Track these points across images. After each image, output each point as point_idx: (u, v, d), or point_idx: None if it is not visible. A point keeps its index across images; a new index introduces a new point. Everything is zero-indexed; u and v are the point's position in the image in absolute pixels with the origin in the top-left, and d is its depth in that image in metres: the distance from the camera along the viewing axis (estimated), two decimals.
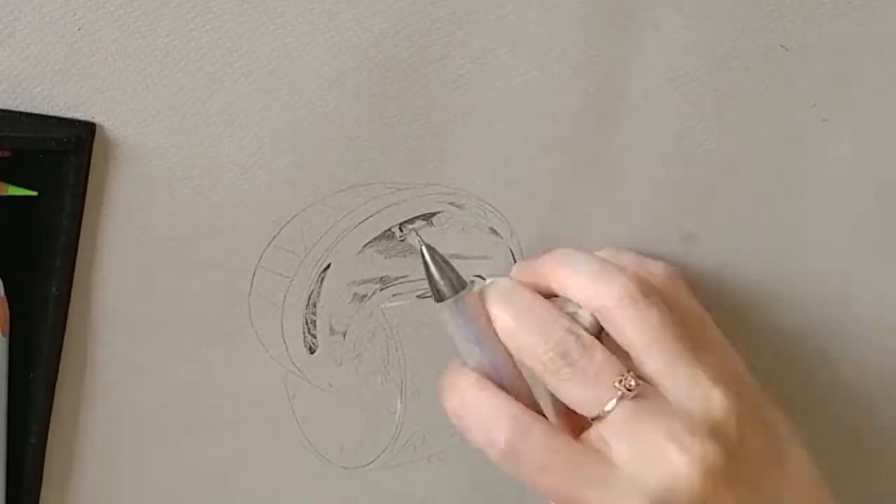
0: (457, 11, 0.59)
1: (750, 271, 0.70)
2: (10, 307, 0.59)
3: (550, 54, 0.61)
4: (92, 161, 0.56)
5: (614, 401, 0.56)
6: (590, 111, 0.63)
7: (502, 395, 0.57)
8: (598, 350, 0.57)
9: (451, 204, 0.63)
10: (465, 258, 0.65)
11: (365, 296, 0.64)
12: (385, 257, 0.64)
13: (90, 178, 0.57)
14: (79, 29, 0.54)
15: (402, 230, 0.63)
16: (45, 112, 0.55)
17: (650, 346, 0.57)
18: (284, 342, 0.64)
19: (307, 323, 0.64)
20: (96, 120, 0.56)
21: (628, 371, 0.57)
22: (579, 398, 0.57)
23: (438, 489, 0.71)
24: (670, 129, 0.64)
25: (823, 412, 0.74)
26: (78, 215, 0.57)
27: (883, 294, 0.72)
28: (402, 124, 0.60)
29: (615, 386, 0.56)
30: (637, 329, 0.57)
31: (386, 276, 0.64)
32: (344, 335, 0.65)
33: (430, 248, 0.58)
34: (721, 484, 0.56)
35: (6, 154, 0.56)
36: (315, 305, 0.64)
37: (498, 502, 0.73)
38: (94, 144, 0.56)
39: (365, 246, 0.63)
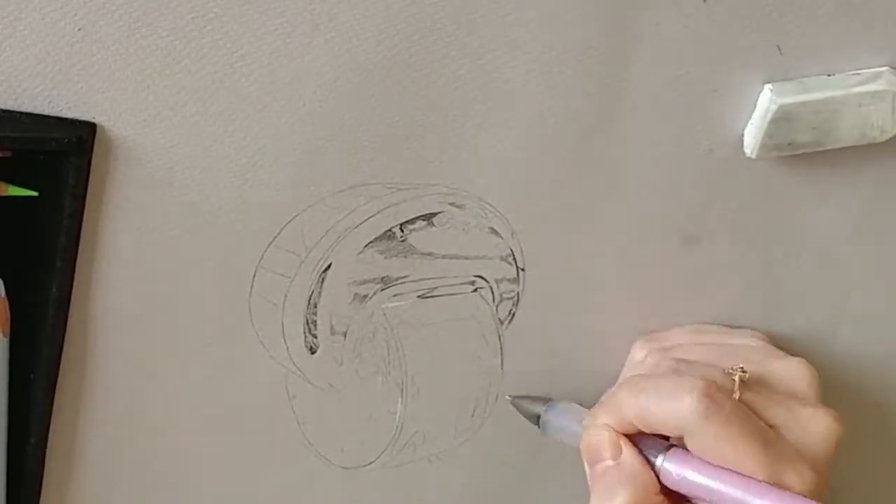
0: (457, 11, 0.59)
1: (751, 271, 0.70)
2: (11, 307, 0.59)
3: (550, 54, 0.61)
4: (92, 161, 0.56)
5: (737, 392, 0.60)
6: (590, 111, 0.63)
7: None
8: (697, 363, 0.62)
9: (451, 204, 0.63)
10: (466, 258, 0.65)
11: (366, 296, 0.64)
12: (386, 257, 0.64)
13: (90, 178, 0.57)
14: (79, 29, 0.54)
15: (402, 230, 0.63)
16: (45, 112, 0.55)
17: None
18: (285, 342, 0.64)
19: (308, 323, 0.64)
20: (97, 120, 0.56)
21: (729, 367, 0.61)
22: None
23: (438, 489, 0.71)
24: (670, 129, 0.64)
25: None
26: (78, 215, 0.57)
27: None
28: (402, 124, 0.60)
29: (732, 377, 0.60)
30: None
31: (387, 276, 0.64)
32: (344, 335, 0.65)
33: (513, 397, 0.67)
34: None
35: (6, 154, 0.56)
36: (316, 306, 0.64)
37: (498, 502, 0.73)
38: (95, 145, 0.56)
39: (366, 246, 0.63)
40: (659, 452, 0.61)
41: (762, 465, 0.58)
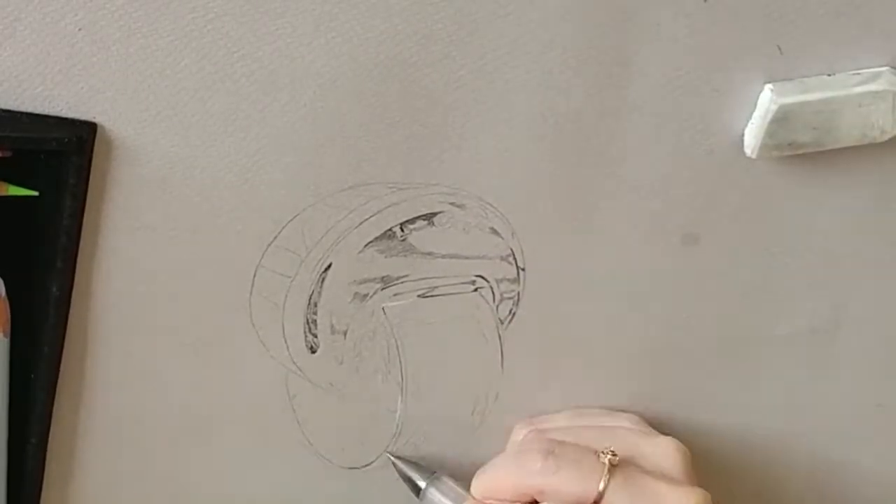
0: (457, 12, 0.59)
1: (751, 271, 0.70)
2: (11, 307, 0.59)
3: (550, 54, 0.61)
4: (92, 161, 0.56)
5: (606, 475, 0.62)
6: (590, 111, 0.63)
7: None
8: (569, 444, 0.64)
9: (451, 204, 0.63)
10: (466, 258, 0.65)
11: (366, 295, 0.64)
12: (386, 257, 0.64)
13: (91, 178, 0.57)
14: (80, 29, 0.54)
15: (402, 230, 0.63)
16: (45, 112, 0.55)
17: None
18: (285, 342, 0.64)
19: (308, 322, 0.64)
20: (97, 120, 0.56)
21: (601, 450, 0.63)
22: (575, 486, 0.62)
23: None
24: (670, 129, 0.64)
25: None
26: (78, 215, 0.57)
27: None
28: (402, 124, 0.60)
29: (601, 459, 0.62)
30: None
31: (387, 275, 0.64)
32: (345, 334, 0.65)
33: (395, 456, 0.68)
34: None
35: (7, 154, 0.56)
36: (316, 305, 0.64)
37: None
38: (95, 144, 0.56)
39: (366, 246, 0.63)
40: None
41: None
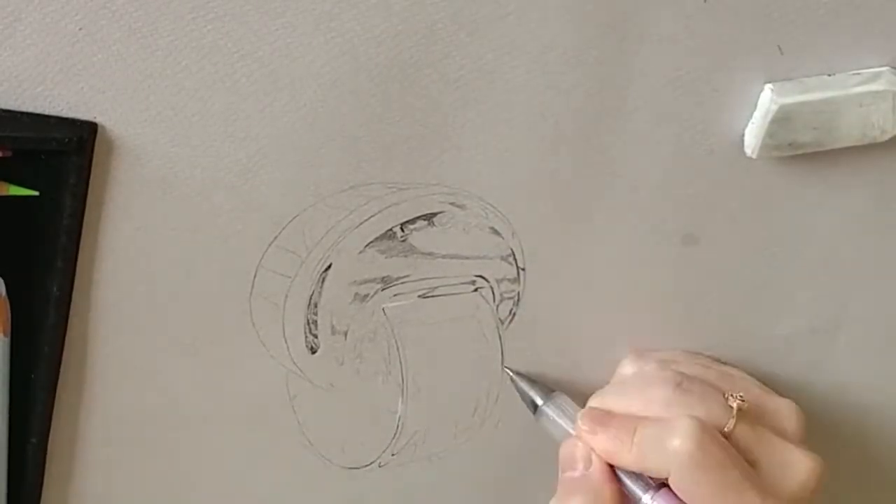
0: (458, 12, 0.59)
1: (751, 271, 0.70)
2: (11, 307, 0.59)
3: (550, 54, 0.61)
4: (93, 161, 0.56)
5: (734, 418, 0.61)
6: (590, 111, 0.63)
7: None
8: (697, 380, 0.63)
9: (452, 204, 0.63)
10: (467, 258, 0.65)
11: (366, 296, 0.64)
12: (386, 257, 0.64)
13: (91, 178, 0.57)
14: (80, 29, 0.54)
15: (403, 230, 0.63)
16: (46, 112, 0.55)
17: None
18: (286, 342, 0.64)
19: (308, 323, 0.64)
20: (97, 120, 0.56)
21: (729, 392, 0.62)
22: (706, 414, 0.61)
23: (438, 489, 0.71)
24: (670, 129, 0.64)
25: None
26: (79, 215, 0.57)
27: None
28: (402, 124, 0.61)
29: (729, 402, 0.61)
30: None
31: (387, 276, 0.64)
32: (345, 335, 0.65)
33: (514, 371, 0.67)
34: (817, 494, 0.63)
35: (7, 154, 0.56)
36: (316, 305, 0.64)
37: (498, 502, 0.73)
38: (96, 144, 0.56)
39: (366, 246, 0.63)
40: (649, 489, 0.62)
41: None
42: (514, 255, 0.66)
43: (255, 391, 0.65)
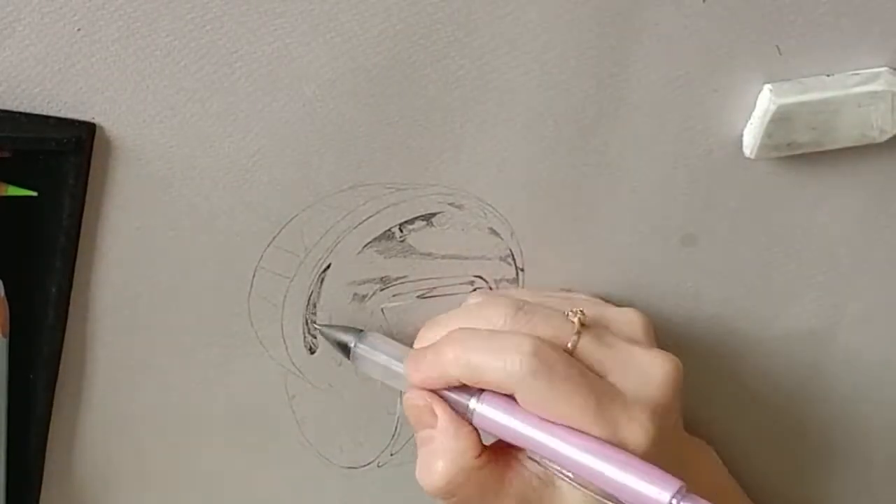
0: (457, 11, 0.59)
1: (751, 271, 0.70)
2: (10, 307, 0.59)
3: (550, 54, 0.61)
4: (92, 161, 0.56)
5: (576, 332, 0.59)
6: (590, 111, 0.63)
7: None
8: (537, 304, 0.61)
9: (450, 204, 0.63)
10: (465, 258, 0.65)
11: (365, 296, 0.64)
12: (385, 258, 0.64)
13: (90, 178, 0.57)
14: (79, 29, 0.54)
15: (401, 230, 0.63)
16: (45, 112, 0.55)
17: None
18: (284, 342, 0.64)
19: (307, 323, 0.64)
20: (96, 120, 0.56)
21: (570, 309, 0.60)
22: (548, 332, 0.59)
23: None
24: (670, 129, 0.64)
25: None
26: (78, 216, 0.57)
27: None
28: (401, 125, 0.60)
29: (570, 318, 0.59)
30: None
31: (386, 276, 0.64)
32: None
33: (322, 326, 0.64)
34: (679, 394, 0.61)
35: (6, 154, 0.56)
36: (315, 306, 0.64)
37: None
38: (94, 145, 0.56)
39: (365, 246, 0.63)
40: (472, 395, 0.59)
41: (595, 420, 0.57)
42: (512, 255, 0.65)
43: (253, 391, 0.65)
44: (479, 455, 0.59)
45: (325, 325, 0.64)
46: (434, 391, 0.60)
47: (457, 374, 0.59)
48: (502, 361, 0.58)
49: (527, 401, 0.58)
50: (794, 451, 0.75)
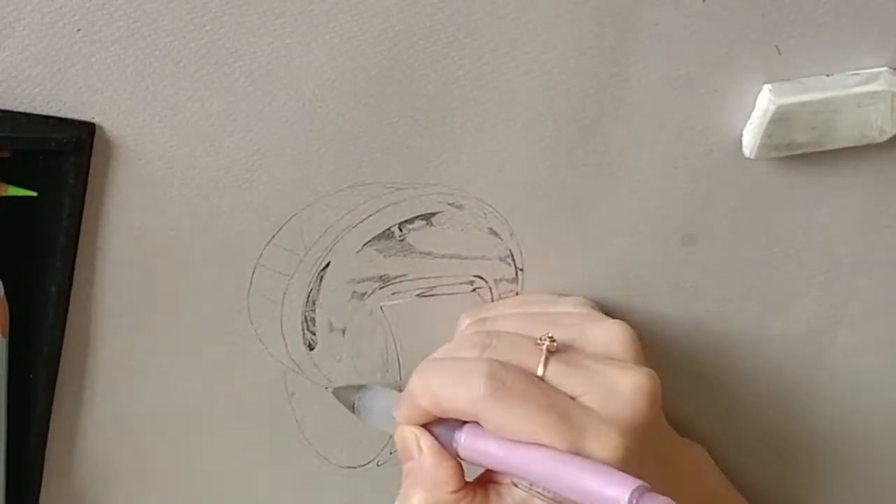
0: (456, 12, 0.59)
1: (750, 271, 0.70)
2: (10, 307, 0.59)
3: (550, 54, 0.61)
4: (92, 161, 0.57)
5: (543, 361, 0.59)
6: (589, 111, 0.63)
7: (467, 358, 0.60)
8: (506, 333, 0.61)
9: (450, 204, 0.63)
10: (465, 258, 0.65)
11: (364, 294, 0.64)
12: (384, 256, 0.64)
13: (90, 178, 0.57)
14: (78, 30, 0.54)
15: (401, 230, 0.63)
16: (44, 112, 0.55)
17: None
18: (284, 340, 0.64)
19: (306, 320, 0.64)
20: (96, 120, 0.56)
21: (540, 336, 0.60)
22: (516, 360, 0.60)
23: None
24: (670, 129, 0.64)
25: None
26: (78, 215, 0.57)
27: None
28: (401, 124, 0.61)
29: (538, 346, 0.60)
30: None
31: (385, 274, 0.64)
32: (343, 333, 0.65)
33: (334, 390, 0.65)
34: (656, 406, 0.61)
35: (6, 154, 0.56)
36: (314, 303, 0.64)
37: None
38: (94, 145, 0.56)
39: (364, 245, 0.63)
40: (455, 429, 0.60)
41: (559, 436, 0.57)
42: (512, 255, 0.66)
43: (253, 389, 0.65)
44: (458, 489, 0.60)
45: (337, 388, 0.66)
46: (425, 426, 0.60)
47: (425, 404, 0.59)
48: (462, 387, 0.58)
49: (490, 423, 0.58)
50: (793, 451, 0.75)
